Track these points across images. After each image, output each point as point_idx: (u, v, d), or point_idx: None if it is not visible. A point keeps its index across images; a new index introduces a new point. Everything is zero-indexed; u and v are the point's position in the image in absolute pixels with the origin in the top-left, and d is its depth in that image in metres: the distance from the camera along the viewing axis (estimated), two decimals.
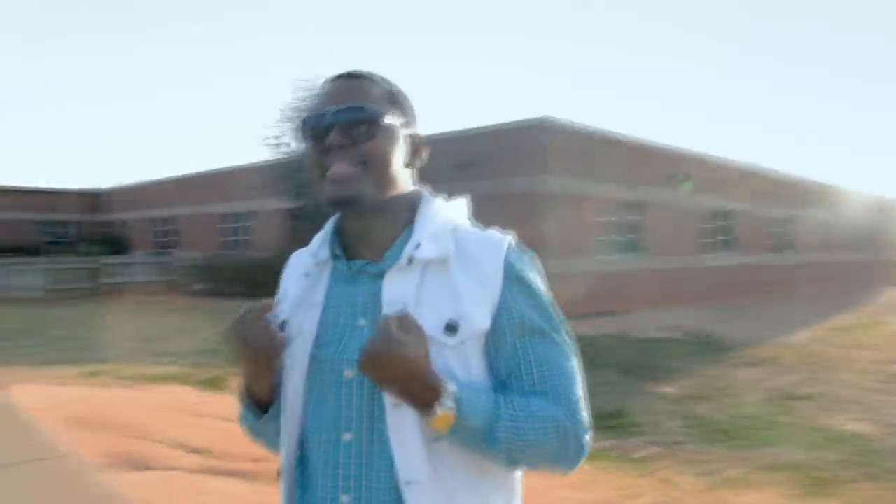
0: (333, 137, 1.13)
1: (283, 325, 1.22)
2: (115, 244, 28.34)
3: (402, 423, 1.04)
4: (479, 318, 1.06)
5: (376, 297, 1.12)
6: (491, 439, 1.00)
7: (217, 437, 4.65)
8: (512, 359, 1.07)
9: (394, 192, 1.19)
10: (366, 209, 1.15)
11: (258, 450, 4.42)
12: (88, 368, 6.35)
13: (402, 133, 1.22)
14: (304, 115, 1.19)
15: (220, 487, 3.61)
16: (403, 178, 1.22)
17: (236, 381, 5.16)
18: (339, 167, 1.12)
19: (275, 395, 1.23)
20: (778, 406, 11.57)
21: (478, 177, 16.49)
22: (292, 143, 16.14)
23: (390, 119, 1.18)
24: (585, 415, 1.09)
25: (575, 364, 1.11)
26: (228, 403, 6.18)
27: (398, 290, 1.09)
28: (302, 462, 1.17)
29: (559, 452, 1.05)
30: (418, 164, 1.27)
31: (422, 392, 0.97)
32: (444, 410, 0.97)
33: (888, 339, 19.05)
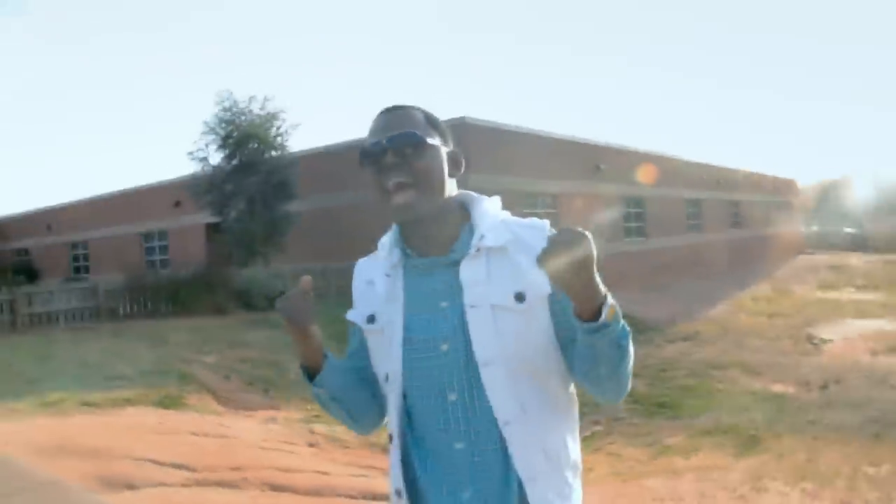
0: (389, 159, 1.33)
1: (371, 318, 1.40)
2: (28, 273, 27.08)
3: (494, 377, 1.25)
4: (540, 285, 1.26)
5: (453, 282, 1.31)
6: (624, 334, 1.23)
7: (190, 452, 4.68)
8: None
9: (444, 198, 1.38)
10: (425, 218, 1.35)
11: (235, 459, 4.51)
12: (41, 399, 6.19)
13: (443, 150, 1.41)
14: (363, 146, 1.39)
15: (215, 499, 3.68)
16: (450, 186, 1.40)
17: (193, 398, 5.23)
18: (400, 188, 1.32)
19: (321, 365, 1.38)
20: (706, 376, 12.26)
21: None
22: (214, 158, 15.94)
23: (433, 140, 1.37)
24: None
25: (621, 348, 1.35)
26: (188, 420, 6.17)
27: (472, 273, 1.30)
28: (409, 426, 1.36)
29: (625, 386, 1.30)
30: (458, 173, 1.45)
31: (596, 289, 1.15)
32: (613, 303, 1.18)
33: (797, 305, 20.33)
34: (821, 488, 6.09)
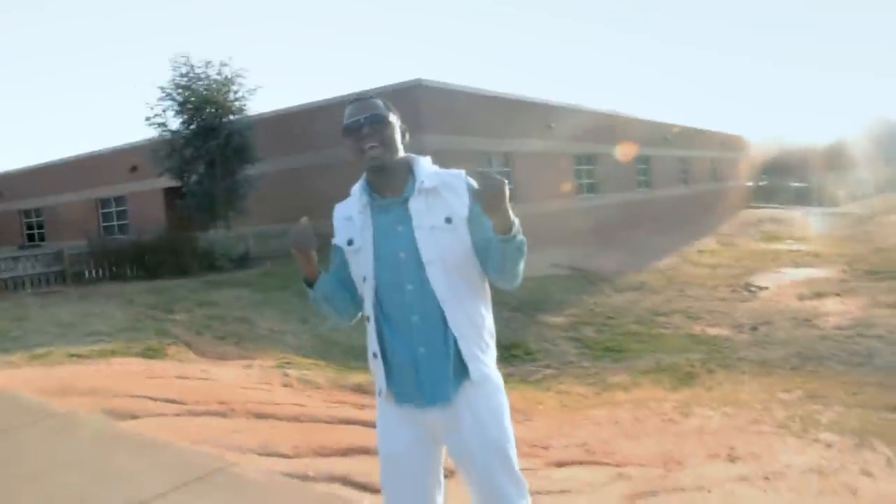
0: (365, 130, 1.96)
1: (350, 242, 2.00)
2: None
3: (435, 272, 1.89)
4: (462, 211, 1.92)
5: (404, 214, 1.95)
6: (522, 242, 1.86)
7: (179, 391, 5.19)
8: (479, 226, 1.90)
9: (398, 157, 2.02)
10: (387, 168, 1.98)
11: (220, 395, 5.09)
12: (29, 353, 6.58)
13: (398, 125, 2.04)
14: (345, 123, 2.02)
15: (208, 424, 4.22)
16: (401, 149, 2.04)
17: (172, 350, 5.85)
18: (372, 148, 1.95)
19: (316, 278, 2.07)
20: (650, 322, 13.14)
21: None
22: (173, 123, 16.02)
23: (392, 119, 2.01)
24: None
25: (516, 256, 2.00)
26: (172, 367, 6.67)
27: (416, 206, 1.94)
28: (381, 309, 1.97)
29: (517, 278, 1.97)
30: (405, 141, 2.07)
31: (508, 213, 1.80)
32: (516, 221, 1.83)
33: (738, 256, 21.45)
34: (739, 411, 6.92)
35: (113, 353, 6.75)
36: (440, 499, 2.06)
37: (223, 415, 4.54)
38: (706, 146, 34.19)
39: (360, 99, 2.04)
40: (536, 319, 12.81)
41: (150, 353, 6.96)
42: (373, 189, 2.03)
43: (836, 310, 12.40)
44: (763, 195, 46.39)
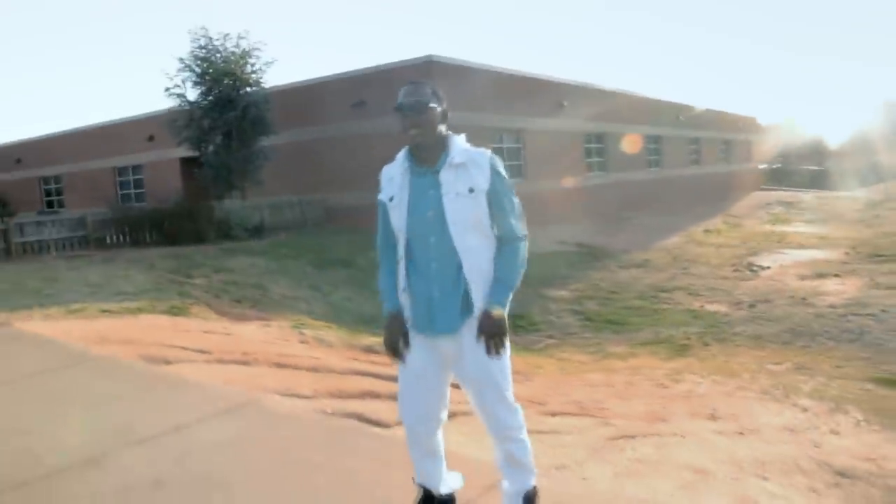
0: (408, 113, 2.37)
1: (391, 198, 2.47)
2: (2, 205, 27.33)
3: (456, 229, 2.30)
4: (483, 184, 2.33)
5: (435, 181, 2.37)
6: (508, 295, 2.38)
7: (206, 342, 5.63)
8: (496, 201, 2.34)
9: (436, 135, 2.41)
10: (426, 145, 2.39)
11: (243, 347, 5.58)
12: (65, 308, 7.04)
13: (438, 110, 2.42)
14: (397, 103, 2.41)
15: (235, 371, 4.65)
16: (440, 128, 2.42)
17: (195, 309, 6.36)
18: (412, 130, 2.36)
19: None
20: (652, 298, 13.52)
21: (373, 115, 17.43)
22: (191, 94, 16.42)
23: (433, 104, 2.39)
24: (523, 229, 2.44)
25: (516, 204, 2.44)
26: (196, 323, 7.13)
27: (446, 176, 2.35)
28: (409, 255, 2.41)
29: (521, 266, 2.42)
30: (446, 121, 2.44)
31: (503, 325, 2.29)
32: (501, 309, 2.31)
33: (744, 237, 21.74)
34: (728, 379, 7.32)
35: (140, 310, 7.22)
36: (444, 415, 2.51)
37: (247, 363, 4.98)
38: (718, 127, 34.21)
39: (413, 83, 2.45)
40: (541, 293, 13.21)
41: (175, 311, 7.43)
42: (413, 158, 2.45)
43: (834, 290, 12.72)
44: (776, 178, 46.42)
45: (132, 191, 25.67)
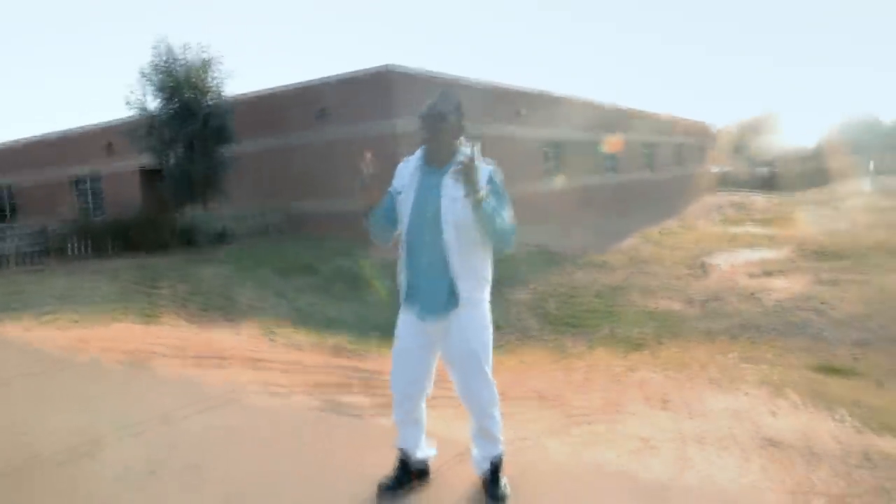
0: (428, 123, 2.70)
1: (398, 192, 2.76)
2: None
3: (448, 228, 2.61)
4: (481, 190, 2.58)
5: (439, 183, 2.67)
6: (487, 208, 2.53)
7: (182, 345, 5.81)
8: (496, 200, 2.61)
9: (450, 143, 2.73)
10: (435, 152, 2.73)
11: (219, 349, 5.80)
12: (36, 319, 7.11)
13: (455, 124, 2.74)
14: (421, 111, 2.73)
15: (213, 371, 4.87)
16: (455, 139, 2.74)
17: (165, 317, 6.58)
18: (427, 139, 2.71)
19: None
20: (609, 298, 13.97)
21: (335, 122, 17.65)
22: (151, 104, 16.42)
23: (451, 117, 2.71)
24: (512, 224, 2.71)
25: (508, 209, 2.73)
26: (168, 329, 7.29)
27: (448, 181, 2.63)
28: (407, 246, 2.71)
29: (505, 232, 2.67)
30: (462, 133, 2.77)
31: (474, 186, 2.49)
32: (484, 195, 2.52)
33: (697, 238, 22.44)
34: (679, 371, 7.74)
35: (113, 319, 7.36)
36: (429, 387, 2.86)
37: (223, 365, 5.21)
38: (671, 132, 35.16)
39: (441, 94, 2.78)
40: (503, 295, 13.53)
41: (147, 319, 7.58)
42: (425, 160, 2.77)
43: (780, 286, 13.33)
44: (730, 181, 47.75)
45: (90, 201, 25.38)
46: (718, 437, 3.88)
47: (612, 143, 25.39)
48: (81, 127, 24.95)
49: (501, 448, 2.85)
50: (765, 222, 26.92)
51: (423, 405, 2.88)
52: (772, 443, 3.79)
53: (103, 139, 23.30)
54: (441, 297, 2.66)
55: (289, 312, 11.57)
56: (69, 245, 14.80)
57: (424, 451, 2.91)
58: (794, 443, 3.84)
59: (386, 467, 2.89)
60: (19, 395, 4.25)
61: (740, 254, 18.54)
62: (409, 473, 2.84)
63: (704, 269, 16.45)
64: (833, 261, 15.69)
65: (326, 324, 10.95)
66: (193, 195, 17.14)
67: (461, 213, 2.60)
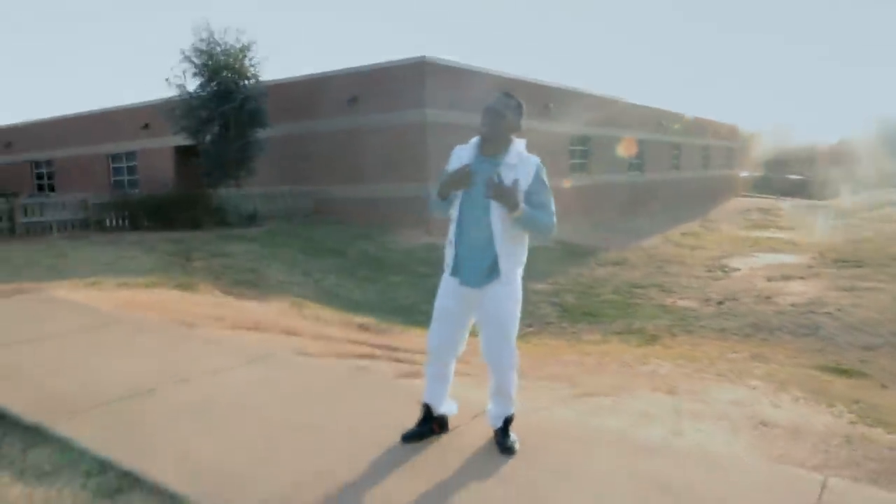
0: (488, 116, 3.07)
1: None
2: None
3: (496, 212, 2.97)
4: (524, 184, 3.00)
5: (496, 168, 3.00)
6: (526, 221, 2.93)
7: (219, 313, 6.24)
8: (535, 194, 3.00)
9: (504, 137, 3.09)
10: (490, 142, 3.08)
11: (253, 319, 6.24)
12: (84, 282, 7.59)
13: (510, 118, 3.09)
14: (486, 105, 3.09)
15: (250, 336, 5.28)
16: (510, 133, 3.10)
17: (202, 287, 7.06)
18: (485, 127, 3.06)
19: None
20: (627, 293, 14.25)
21: (367, 110, 18.04)
22: (191, 85, 16.96)
23: (509, 114, 3.09)
24: (554, 218, 3.11)
25: (552, 201, 3.10)
26: (206, 298, 7.74)
27: (501, 169, 2.99)
28: (459, 221, 3.07)
29: (545, 229, 3.06)
30: (517, 128, 3.11)
31: (516, 202, 2.90)
32: (520, 211, 2.93)
33: (719, 241, 22.59)
34: (690, 364, 8.03)
35: (153, 284, 7.82)
36: (461, 348, 3.24)
37: (260, 330, 5.62)
38: (700, 134, 35.10)
39: (505, 94, 3.16)
40: (524, 286, 13.86)
41: (185, 288, 8.03)
42: (480, 149, 3.14)
43: (797, 290, 13.52)
44: (758, 186, 47.49)
45: (125, 177, 26.08)
46: (715, 417, 4.20)
47: (627, 145, 25.57)
48: (118, 106, 25.62)
49: (514, 409, 3.21)
50: (788, 228, 26.95)
51: (453, 365, 3.25)
52: (764, 424, 4.10)
53: (140, 118, 23.93)
54: (484, 271, 3.03)
55: (315, 292, 12.00)
56: (107, 218, 15.35)
57: (447, 406, 3.28)
58: (785, 426, 4.15)
59: (409, 421, 3.25)
60: (79, 345, 4.69)
61: (761, 258, 18.69)
62: (431, 426, 3.22)
63: (723, 270, 16.66)
64: (852, 268, 15.81)
65: (351, 305, 11.36)
66: (226, 175, 17.66)
67: None
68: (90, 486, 2.73)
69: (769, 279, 15.03)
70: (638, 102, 27.87)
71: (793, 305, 12.16)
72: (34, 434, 3.21)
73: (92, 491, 2.69)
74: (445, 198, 3.10)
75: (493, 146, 3.07)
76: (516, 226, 3.00)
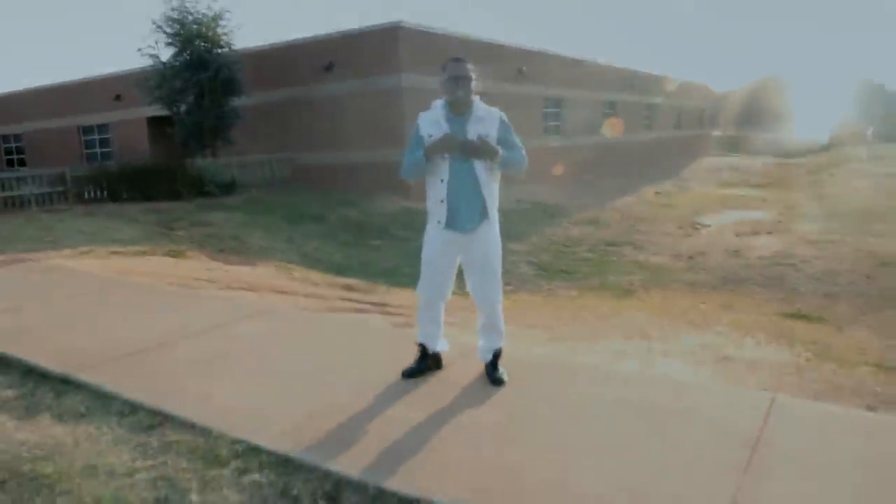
0: (456, 82, 3.36)
1: (430, 136, 3.38)
2: None
3: (477, 162, 3.32)
4: (493, 133, 3.38)
5: (463, 127, 3.36)
6: (504, 161, 3.31)
7: (212, 276, 6.49)
8: (506, 139, 3.38)
9: (470, 97, 3.39)
10: (461, 102, 3.38)
11: (245, 280, 6.54)
12: (76, 251, 7.77)
13: (474, 81, 3.40)
14: (450, 73, 3.35)
15: (244, 294, 5.56)
16: (472, 93, 3.40)
17: (191, 254, 7.35)
18: (459, 92, 3.35)
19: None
20: (602, 251, 14.70)
21: (344, 77, 18.11)
22: (164, 54, 16.87)
23: (473, 76, 3.40)
24: (524, 151, 3.44)
25: (518, 139, 3.44)
26: (197, 263, 7.99)
27: (470, 125, 3.37)
28: (448, 176, 3.37)
29: (520, 164, 3.41)
30: (478, 89, 3.43)
31: (495, 151, 3.31)
32: (500, 154, 3.34)
33: (691, 200, 23.10)
34: (661, 314, 8.48)
35: (144, 252, 8.04)
36: (449, 293, 3.59)
37: (253, 290, 5.91)
38: (671, 93, 35.44)
39: (456, 59, 3.45)
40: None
41: (175, 255, 8.26)
42: (450, 109, 3.44)
43: (764, 244, 14.06)
44: (730, 143, 48.17)
45: (98, 150, 25.86)
46: (682, 354, 4.60)
47: (613, 124, 25.99)
48: (90, 77, 25.29)
49: (503, 343, 3.58)
50: (759, 185, 27.57)
51: (442, 308, 3.59)
52: (726, 359, 4.51)
53: (112, 89, 23.71)
54: (475, 213, 3.39)
55: (298, 256, 12.25)
56: (86, 190, 15.38)
57: (440, 344, 3.63)
58: (745, 360, 4.57)
59: (407, 361, 3.60)
60: (88, 307, 4.95)
61: (731, 214, 19.23)
62: (427, 363, 3.57)
63: (694, 227, 17.17)
64: (817, 223, 16.40)
65: (334, 268, 11.64)
66: (203, 144, 17.69)
67: None
68: (125, 424, 3.04)
69: (738, 234, 15.56)
70: (609, 63, 28.10)
71: (760, 258, 12.68)
72: (63, 384, 3.50)
73: (127, 428, 3.00)
74: (431, 160, 3.40)
75: (463, 107, 3.39)
76: (497, 168, 3.37)
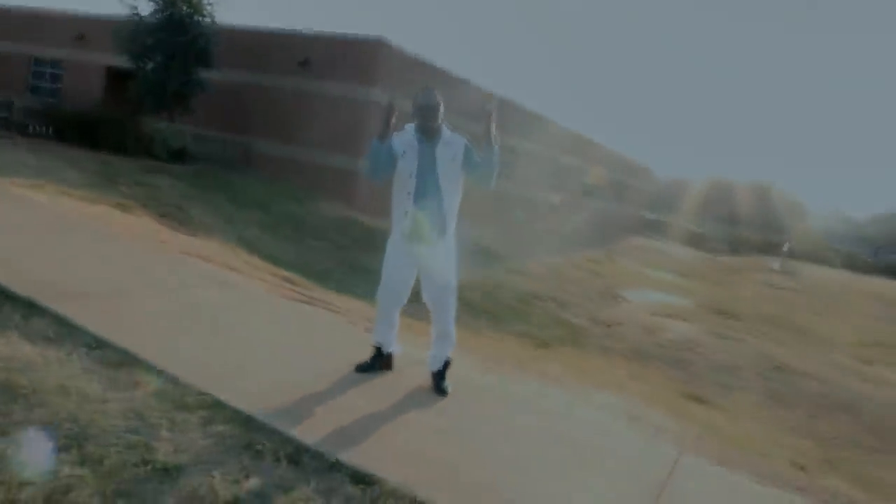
0: (428, 112, 3.72)
1: (402, 154, 3.66)
2: None
3: (444, 180, 3.64)
4: (459, 157, 3.72)
5: (433, 151, 3.72)
6: (497, 152, 3.62)
7: (163, 238, 6.56)
8: (473, 154, 3.72)
9: (438, 124, 3.74)
10: (430, 131, 3.72)
11: (198, 250, 6.60)
12: (29, 182, 7.63)
13: (441, 111, 3.78)
14: (421, 103, 3.68)
15: (200, 262, 5.70)
16: (440, 121, 3.74)
17: (138, 212, 7.46)
18: (429, 123, 3.67)
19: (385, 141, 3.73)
20: (527, 301, 15.24)
21: (317, 76, 18.27)
22: (145, 9, 16.64)
23: (440, 107, 3.78)
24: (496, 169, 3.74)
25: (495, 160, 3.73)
26: (146, 222, 7.98)
27: (440, 150, 3.72)
28: (414, 192, 3.64)
29: (496, 165, 3.71)
30: (443, 119, 3.74)
31: (491, 132, 3.70)
32: (498, 143, 3.73)
33: (618, 273, 24.14)
34: (576, 371, 8.97)
35: (95, 200, 7.97)
36: (406, 299, 3.90)
37: (208, 261, 6.03)
38: (616, 168, 36.96)
39: (427, 90, 3.77)
40: None
41: (124, 209, 8.22)
42: (422, 133, 3.73)
43: (676, 329, 14.88)
44: (655, 228, 50.33)
45: (48, 85, 24.93)
46: (598, 407, 5.01)
47: (595, 174, 27.03)
48: (52, 8, 24.46)
49: (451, 351, 3.89)
50: (679, 273, 29.02)
51: (398, 314, 3.88)
52: (637, 418, 4.94)
53: (75, 27, 23.05)
54: (436, 230, 3.68)
55: (237, 240, 12.23)
56: (31, 125, 14.94)
57: (395, 347, 3.91)
58: (653, 423, 5.01)
59: (359, 358, 3.86)
60: (52, 243, 4.99)
61: (649, 294, 20.23)
62: (380, 362, 3.84)
63: (616, 298, 17.99)
64: (728, 319, 17.47)
65: (270, 259, 11.66)
66: (161, 105, 17.42)
67: (451, 172, 3.66)
68: (93, 356, 3.18)
69: (654, 314, 16.38)
70: (564, 127, 29.21)
71: (670, 340, 13.45)
72: (29, 307, 3.59)
73: (95, 360, 3.14)
74: (385, 138, 3.67)
75: (431, 133, 3.70)
76: (473, 172, 3.69)
